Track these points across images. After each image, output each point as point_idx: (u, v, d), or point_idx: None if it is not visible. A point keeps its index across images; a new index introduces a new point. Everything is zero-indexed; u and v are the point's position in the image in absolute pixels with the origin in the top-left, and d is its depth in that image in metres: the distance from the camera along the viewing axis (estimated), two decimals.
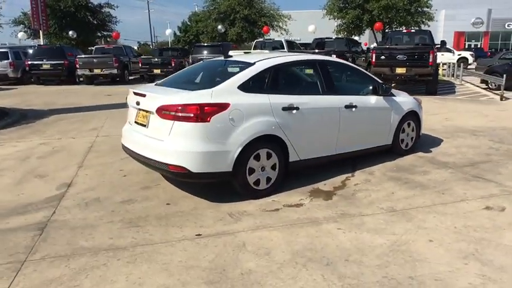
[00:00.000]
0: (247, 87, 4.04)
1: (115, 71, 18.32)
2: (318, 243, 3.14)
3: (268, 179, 4.17)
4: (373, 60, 13.58)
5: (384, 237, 3.22)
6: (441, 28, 48.20)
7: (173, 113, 3.72)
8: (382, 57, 13.50)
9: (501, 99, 12.12)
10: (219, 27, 25.07)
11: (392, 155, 5.64)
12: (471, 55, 29.71)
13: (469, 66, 25.19)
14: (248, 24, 27.53)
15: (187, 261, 2.88)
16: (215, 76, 4.54)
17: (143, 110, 4.13)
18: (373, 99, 5.16)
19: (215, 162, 3.78)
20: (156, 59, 19.85)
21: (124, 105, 4.83)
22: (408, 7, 20.63)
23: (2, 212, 3.84)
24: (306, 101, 4.39)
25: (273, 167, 4.18)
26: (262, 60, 4.36)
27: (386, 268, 2.75)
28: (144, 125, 4.11)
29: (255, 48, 19.21)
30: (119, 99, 11.13)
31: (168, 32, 31.86)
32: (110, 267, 2.82)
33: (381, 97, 5.25)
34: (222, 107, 3.77)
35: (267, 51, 14.03)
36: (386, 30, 20.91)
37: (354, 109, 4.85)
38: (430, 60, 13.00)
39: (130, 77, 20.02)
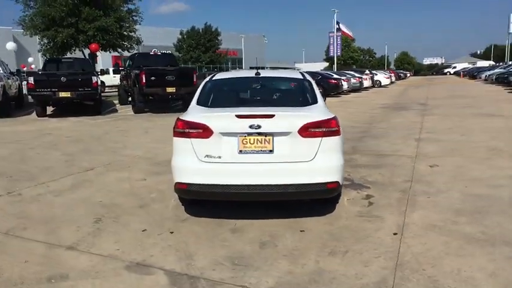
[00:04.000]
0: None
1: None
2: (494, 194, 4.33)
3: None
4: (144, 81, 13.73)
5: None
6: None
7: (323, 129, 3.59)
8: (153, 77, 13.90)
9: None
10: None
11: None
12: None
13: None
14: None
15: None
16: (276, 92, 4.40)
17: (261, 134, 3.54)
18: None
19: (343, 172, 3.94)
20: None
21: None
22: (119, 30, 21.25)
23: None
24: None
25: None
26: (305, 74, 4.63)
27: None
28: (268, 151, 3.54)
29: None
30: None
31: None
32: None
33: None
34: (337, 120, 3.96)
35: None
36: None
37: None
38: (194, 79, 14.68)
39: None
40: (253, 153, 3.56)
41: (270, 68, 47.83)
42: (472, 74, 45.29)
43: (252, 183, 3.52)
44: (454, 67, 77.01)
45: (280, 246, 3.40)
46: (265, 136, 3.56)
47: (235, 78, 4.98)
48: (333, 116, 3.77)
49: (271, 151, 3.56)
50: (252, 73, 4.64)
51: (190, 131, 3.63)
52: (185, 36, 47.87)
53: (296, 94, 4.37)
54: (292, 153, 3.57)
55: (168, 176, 5.79)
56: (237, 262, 3.13)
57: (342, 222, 3.87)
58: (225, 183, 3.54)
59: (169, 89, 14.05)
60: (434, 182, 5.13)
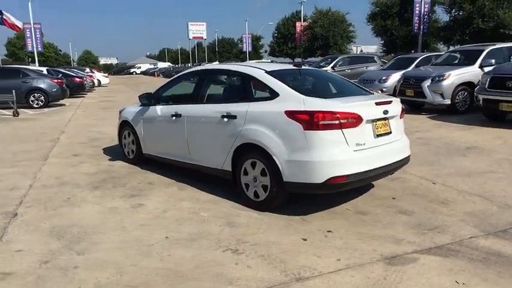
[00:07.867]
0: None
1: None
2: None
3: None
4: None
5: None
6: None
7: (403, 112, 4.41)
8: None
9: (15, 115, 12.07)
10: None
11: None
12: None
13: None
14: None
15: None
16: (332, 83, 4.64)
17: (385, 119, 4.00)
18: None
19: None
20: None
21: None
22: None
23: None
24: None
25: None
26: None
27: None
28: (389, 133, 4.06)
29: None
30: None
31: None
32: None
33: None
34: None
35: None
36: None
37: None
38: None
39: None
40: (384, 135, 4.00)
41: None
42: (170, 73, 50.53)
43: (387, 163, 3.96)
44: (139, 67, 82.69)
45: (416, 212, 4.02)
46: (385, 120, 4.05)
47: (292, 69, 4.75)
48: None
49: (390, 133, 4.09)
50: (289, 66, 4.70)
51: (343, 121, 3.59)
52: None
53: (353, 85, 4.79)
54: (397, 133, 4.22)
55: (166, 194, 4.65)
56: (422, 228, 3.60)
57: (399, 187, 4.79)
58: (373, 167, 3.78)
59: None
60: None
